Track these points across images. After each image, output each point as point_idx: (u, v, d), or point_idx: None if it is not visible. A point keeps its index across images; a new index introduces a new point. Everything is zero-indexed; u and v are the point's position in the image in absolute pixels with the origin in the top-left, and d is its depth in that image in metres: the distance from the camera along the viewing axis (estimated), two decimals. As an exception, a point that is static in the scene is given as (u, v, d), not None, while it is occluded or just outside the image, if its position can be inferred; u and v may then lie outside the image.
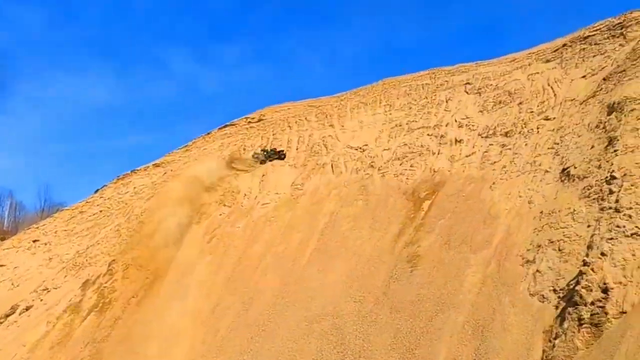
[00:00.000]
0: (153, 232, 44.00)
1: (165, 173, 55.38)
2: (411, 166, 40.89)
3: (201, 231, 45.20)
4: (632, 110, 30.04)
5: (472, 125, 40.73)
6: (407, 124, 45.31)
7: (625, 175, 26.97)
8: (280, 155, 48.86)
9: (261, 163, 48.97)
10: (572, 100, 36.28)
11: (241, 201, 46.80)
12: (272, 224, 42.86)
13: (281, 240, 40.79)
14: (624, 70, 33.71)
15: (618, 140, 29.08)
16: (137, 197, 53.98)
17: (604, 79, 34.94)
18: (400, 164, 41.72)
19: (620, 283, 23.04)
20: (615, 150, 28.73)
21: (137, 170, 59.40)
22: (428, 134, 42.70)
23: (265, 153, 49.41)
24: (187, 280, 40.31)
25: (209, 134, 59.78)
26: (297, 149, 49.80)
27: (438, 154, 40.45)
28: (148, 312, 38.07)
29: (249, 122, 57.29)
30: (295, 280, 36.56)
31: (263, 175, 48.36)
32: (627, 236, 24.49)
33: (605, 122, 31.29)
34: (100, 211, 55.11)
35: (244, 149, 52.75)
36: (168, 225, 44.02)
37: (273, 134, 53.05)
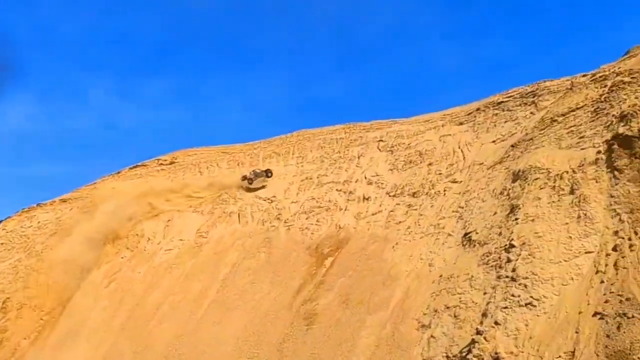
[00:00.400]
0: (52, 271, 42.49)
1: (71, 209, 53.33)
2: (317, 221, 40.30)
3: (100, 274, 43.87)
4: (535, 179, 30.04)
5: (381, 184, 40.44)
6: (317, 177, 44.80)
7: (524, 244, 26.76)
8: (267, 173, 47.22)
9: (249, 185, 47.12)
10: (480, 164, 36.31)
11: (144, 245, 45.50)
12: (173, 271, 41.81)
13: (180, 289, 39.77)
14: (532, 139, 33.89)
15: (520, 208, 28.94)
16: (40, 232, 51.64)
17: (512, 146, 35.06)
18: (307, 218, 41.10)
19: (512, 353, 22.86)
20: (516, 219, 28.55)
21: (43, 204, 57.03)
22: (337, 189, 42.24)
23: (254, 173, 47.59)
24: (82, 324, 39.08)
25: (119, 172, 58.18)
26: (204, 196, 48.71)
27: (345, 210, 39.97)
28: (39, 356, 36.64)
29: (160, 163, 55.96)
30: (190, 331, 35.62)
31: (169, 220, 47.23)
32: (521, 306, 24.29)
33: (510, 189, 31.24)
34: (2, 244, 52.59)
35: (153, 191, 51.34)
36: (68, 265, 42.54)
37: (183, 178, 51.83)
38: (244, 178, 47.54)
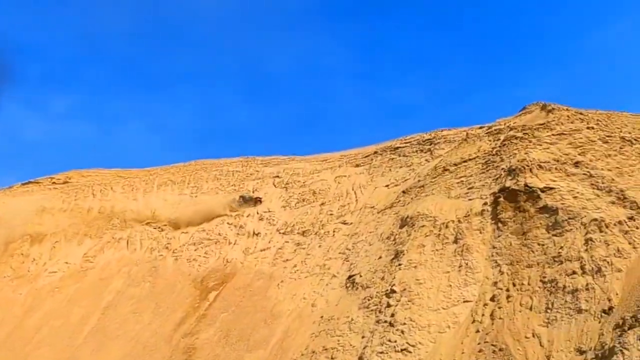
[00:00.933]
0: None
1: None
2: (205, 253, 39.52)
3: (-19, 293, 41.75)
4: (422, 226, 30.22)
5: (273, 220, 40.05)
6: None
7: (404, 290, 26.73)
8: (256, 202, 45.13)
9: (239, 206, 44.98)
10: (371, 207, 36.39)
11: (28, 266, 43.69)
12: (56, 295, 40.21)
13: (62, 313, 38.25)
14: (423, 186, 34.18)
15: (404, 254, 28.98)
16: None
17: (404, 192, 35.29)
18: (195, 250, 40.27)
19: (385, 401, 22.49)
20: (399, 264, 28.55)
21: None
22: (228, 223, 41.60)
23: (242, 199, 45.53)
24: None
25: (10, 187, 56.09)
26: (95, 219, 47.26)
27: (234, 244, 39.35)
28: None
29: (54, 182, 54.20)
30: (67, 358, 34.12)
31: (56, 242, 45.50)
32: (397, 351, 24.16)
33: (397, 234, 31.30)
34: None
35: (43, 210, 49.52)
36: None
37: (75, 200, 50.20)
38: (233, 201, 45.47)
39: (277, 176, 45.11)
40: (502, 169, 31.88)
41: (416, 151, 40.60)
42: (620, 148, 33.00)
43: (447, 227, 29.49)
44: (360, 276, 29.98)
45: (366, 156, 43.14)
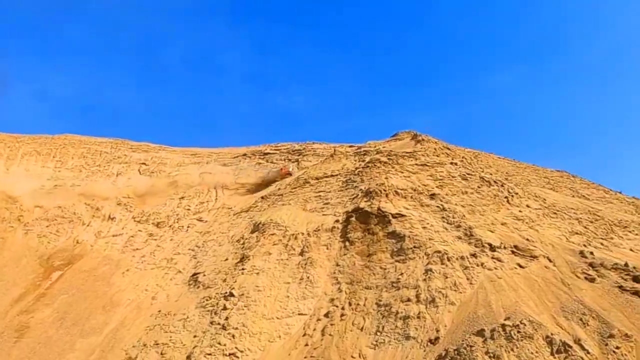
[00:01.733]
0: None
1: None
2: (57, 231, 38.28)
3: None
4: (272, 234, 30.45)
5: (131, 207, 39.32)
6: (71, 186, 42.87)
7: (242, 295, 26.85)
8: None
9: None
10: (229, 208, 36.40)
11: None
12: None
13: None
14: (282, 195, 34.49)
15: (249, 259, 29.13)
16: None
17: (263, 197, 35.51)
18: (48, 226, 38.95)
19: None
20: (243, 269, 28.65)
21: None
22: (86, 203, 40.50)
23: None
24: None
25: None
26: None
27: (88, 225, 38.30)
28: None
29: None
30: None
31: None
32: (225, 355, 24.20)
33: (247, 238, 31.41)
34: None
35: None
36: None
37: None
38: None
39: (144, 163, 44.47)
40: (361, 189, 32.53)
41: (284, 159, 40.94)
42: (478, 187, 34.30)
43: (295, 238, 29.83)
44: (204, 275, 29.85)
45: (235, 157, 43.15)
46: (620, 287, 25.09)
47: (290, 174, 39.14)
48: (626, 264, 26.87)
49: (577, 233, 32.30)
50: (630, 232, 34.24)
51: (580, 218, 34.87)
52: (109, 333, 28.77)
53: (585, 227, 33.45)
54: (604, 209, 38.56)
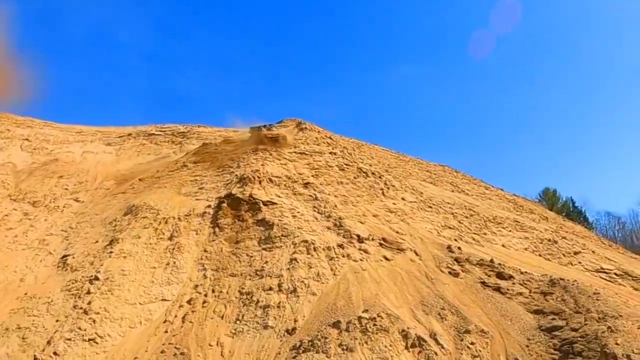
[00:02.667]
0: None
1: None
2: None
3: None
4: (144, 217, 30.60)
5: (8, 184, 38.58)
6: (-53, 161, 41.75)
7: (107, 279, 26.90)
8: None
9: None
10: (107, 189, 36.20)
11: None
12: None
13: None
14: (159, 177, 34.59)
15: (118, 242, 29.21)
16: None
17: (140, 179, 35.49)
18: None
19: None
20: (111, 252, 28.72)
21: None
22: (-40, 179, 39.55)
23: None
24: None
25: None
26: None
27: (-44, 203, 37.44)
28: None
29: None
30: None
31: None
32: (85, 340, 24.08)
33: (119, 221, 31.45)
34: None
35: None
36: None
37: None
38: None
39: (27, 139, 43.57)
40: (236, 175, 32.94)
41: (168, 141, 40.90)
42: (354, 178, 35.11)
43: (166, 222, 30.07)
44: (73, 258, 29.69)
45: (120, 136, 42.84)
46: (483, 282, 25.91)
47: None
48: (492, 260, 27.80)
49: (449, 227, 33.29)
50: (504, 228, 35.54)
51: (456, 213, 35.96)
52: (-28, 317, 28.23)
53: (460, 222, 34.51)
54: (481, 205, 39.91)
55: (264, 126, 39.71)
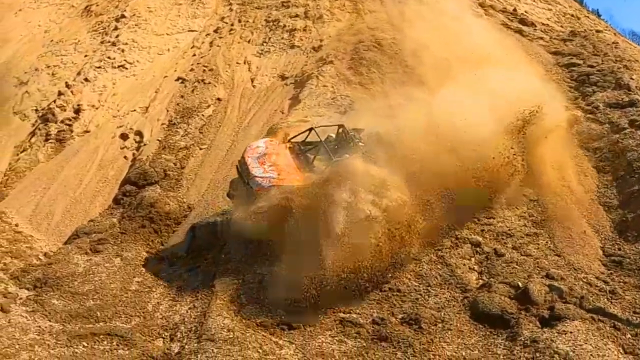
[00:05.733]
0: None
1: None
2: None
3: None
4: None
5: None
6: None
7: (134, 15, 27.12)
8: None
9: None
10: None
11: None
12: None
13: None
14: None
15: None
16: None
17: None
18: None
19: (93, 106, 23.16)
20: (130, -6, 28.67)
21: None
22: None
23: None
24: None
25: None
26: None
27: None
28: None
29: None
30: None
31: None
32: (114, 67, 24.76)
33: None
34: None
35: None
36: None
37: None
38: None
39: None
40: None
41: None
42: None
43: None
44: (97, 5, 29.62)
45: None
46: (506, 25, 26.55)
47: None
48: (515, 9, 27.51)
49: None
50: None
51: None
52: (1, 65, 28.55)
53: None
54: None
55: None
